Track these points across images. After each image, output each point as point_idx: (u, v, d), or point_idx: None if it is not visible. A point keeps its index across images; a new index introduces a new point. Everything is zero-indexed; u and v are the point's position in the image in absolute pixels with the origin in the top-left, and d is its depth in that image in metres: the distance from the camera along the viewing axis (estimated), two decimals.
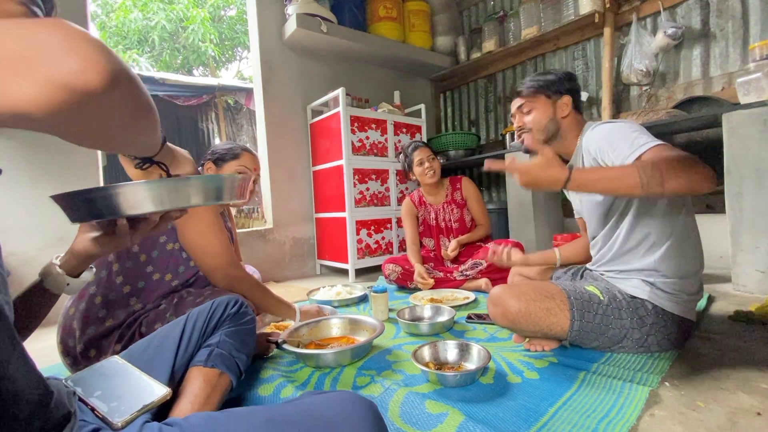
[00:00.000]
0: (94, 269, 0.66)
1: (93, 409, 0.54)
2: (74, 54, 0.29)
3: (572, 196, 1.33)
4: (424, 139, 3.07)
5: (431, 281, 1.99)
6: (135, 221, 0.62)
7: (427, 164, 2.15)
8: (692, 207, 1.10)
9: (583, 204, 1.23)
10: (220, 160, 1.33)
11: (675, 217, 1.05)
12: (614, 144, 0.98)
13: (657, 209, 1.05)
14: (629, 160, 0.90)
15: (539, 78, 1.23)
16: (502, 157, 2.83)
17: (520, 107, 1.24)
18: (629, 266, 1.10)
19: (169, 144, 0.61)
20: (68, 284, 0.63)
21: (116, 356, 0.65)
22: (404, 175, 2.31)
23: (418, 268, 2.03)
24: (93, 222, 0.61)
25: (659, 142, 0.91)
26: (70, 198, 0.49)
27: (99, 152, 2.24)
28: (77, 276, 0.64)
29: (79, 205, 0.50)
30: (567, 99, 1.20)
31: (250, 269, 1.77)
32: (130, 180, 0.63)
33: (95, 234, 0.62)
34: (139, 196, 0.48)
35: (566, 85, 1.22)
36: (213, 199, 0.54)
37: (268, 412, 0.49)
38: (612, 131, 1.02)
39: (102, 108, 0.32)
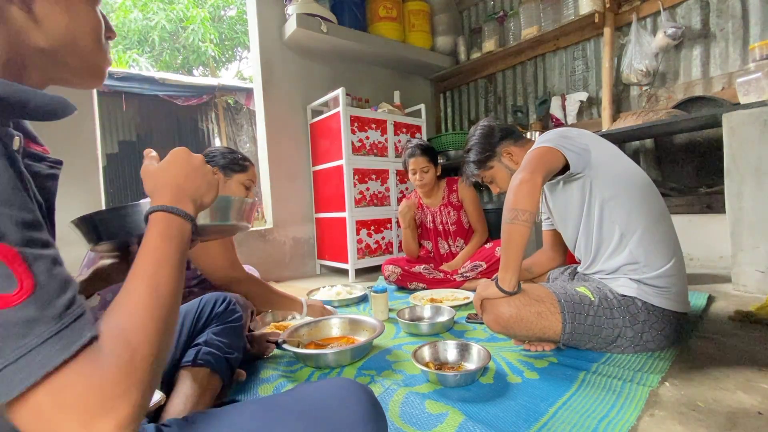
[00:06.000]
0: (99, 297, 0.66)
1: None
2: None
3: (543, 207, 1.34)
4: (424, 138, 3.06)
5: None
6: None
7: (418, 175, 2.13)
8: (659, 197, 1.12)
9: (555, 210, 1.24)
10: (228, 169, 1.32)
11: (639, 208, 1.07)
12: None
13: (616, 201, 1.08)
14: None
15: (468, 160, 1.31)
16: None
17: (483, 181, 1.35)
18: (612, 264, 1.11)
19: None
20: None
21: None
22: (405, 173, 2.31)
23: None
24: (108, 246, 0.60)
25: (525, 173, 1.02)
26: (85, 221, 0.50)
27: (99, 152, 2.24)
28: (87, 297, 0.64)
29: (91, 228, 0.51)
30: (506, 149, 1.25)
31: (249, 269, 1.77)
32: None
33: (110, 261, 0.63)
34: (141, 217, 0.48)
35: (492, 140, 1.26)
36: (219, 220, 0.55)
37: (264, 402, 0.50)
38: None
39: None
